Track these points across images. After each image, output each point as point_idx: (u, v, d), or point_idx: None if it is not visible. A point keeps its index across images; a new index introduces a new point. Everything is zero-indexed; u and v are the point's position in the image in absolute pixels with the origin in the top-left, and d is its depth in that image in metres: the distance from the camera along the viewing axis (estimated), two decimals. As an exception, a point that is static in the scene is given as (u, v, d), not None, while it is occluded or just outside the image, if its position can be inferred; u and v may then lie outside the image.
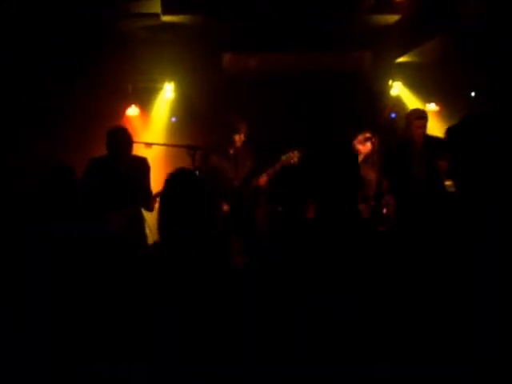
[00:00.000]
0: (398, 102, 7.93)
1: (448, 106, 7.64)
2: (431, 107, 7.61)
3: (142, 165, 5.55)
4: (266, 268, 4.34)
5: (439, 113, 7.55)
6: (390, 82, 7.94)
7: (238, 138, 5.77)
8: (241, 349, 2.51)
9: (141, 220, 5.54)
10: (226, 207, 5.70)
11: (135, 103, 7.52)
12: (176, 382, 2.46)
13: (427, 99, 7.75)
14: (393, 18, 6.56)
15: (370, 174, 5.41)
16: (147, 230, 5.58)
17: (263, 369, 2.55)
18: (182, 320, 2.52)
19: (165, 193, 2.77)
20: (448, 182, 5.00)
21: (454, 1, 5.98)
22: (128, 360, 2.52)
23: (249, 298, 2.66)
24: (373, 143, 5.35)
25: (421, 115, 5.49)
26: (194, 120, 7.39)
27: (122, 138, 5.39)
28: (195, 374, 2.45)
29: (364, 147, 5.39)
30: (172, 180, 2.80)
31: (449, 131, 2.33)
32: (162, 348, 2.47)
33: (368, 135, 5.36)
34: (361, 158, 5.41)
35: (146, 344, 2.49)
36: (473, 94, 7.95)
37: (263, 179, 5.68)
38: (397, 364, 2.08)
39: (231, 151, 5.81)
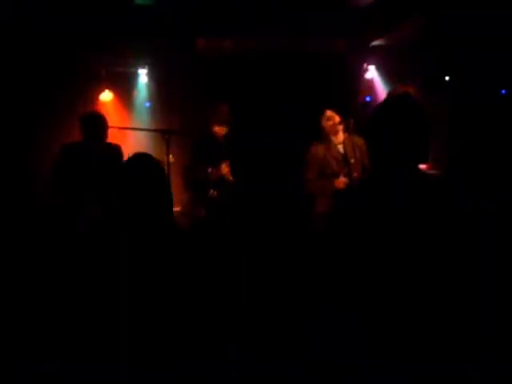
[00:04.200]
0: (372, 85, 7.94)
1: (423, 89, 7.66)
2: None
3: (115, 152, 5.51)
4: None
5: (414, 96, 7.56)
6: (365, 65, 7.95)
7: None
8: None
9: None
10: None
11: (109, 88, 7.43)
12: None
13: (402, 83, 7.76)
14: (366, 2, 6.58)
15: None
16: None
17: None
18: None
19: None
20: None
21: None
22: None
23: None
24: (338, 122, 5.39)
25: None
26: (168, 105, 7.34)
27: (97, 124, 5.35)
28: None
29: (326, 123, 5.41)
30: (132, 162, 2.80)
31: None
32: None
33: (329, 114, 5.38)
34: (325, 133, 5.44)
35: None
36: (447, 78, 7.99)
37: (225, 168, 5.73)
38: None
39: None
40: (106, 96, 7.38)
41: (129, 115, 7.47)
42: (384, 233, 2.09)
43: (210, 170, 5.72)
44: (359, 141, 5.36)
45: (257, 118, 6.95)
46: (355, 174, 5.26)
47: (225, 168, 5.70)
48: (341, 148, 5.38)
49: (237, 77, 7.32)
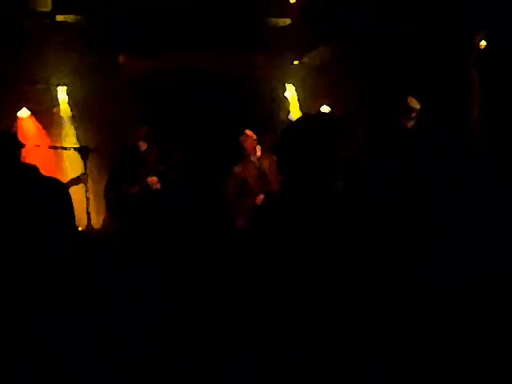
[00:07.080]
0: (293, 102, 8.08)
1: (342, 109, 7.82)
2: (325, 109, 7.78)
3: (30, 174, 5.31)
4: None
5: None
6: (285, 84, 8.08)
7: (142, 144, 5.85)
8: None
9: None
10: None
11: (28, 105, 7.26)
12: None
13: (322, 102, 7.91)
14: (285, 21, 6.72)
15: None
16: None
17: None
18: None
19: None
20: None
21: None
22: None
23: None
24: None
25: None
26: (87, 122, 7.25)
27: (8, 143, 5.11)
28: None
29: (246, 143, 5.61)
30: None
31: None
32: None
33: (248, 133, 5.58)
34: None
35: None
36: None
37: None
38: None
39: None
40: (24, 113, 7.21)
41: (47, 133, 7.31)
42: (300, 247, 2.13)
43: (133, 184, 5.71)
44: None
45: (179, 138, 6.93)
46: (275, 189, 5.39)
47: (153, 180, 5.73)
48: (258, 165, 5.53)
49: (159, 95, 7.29)
